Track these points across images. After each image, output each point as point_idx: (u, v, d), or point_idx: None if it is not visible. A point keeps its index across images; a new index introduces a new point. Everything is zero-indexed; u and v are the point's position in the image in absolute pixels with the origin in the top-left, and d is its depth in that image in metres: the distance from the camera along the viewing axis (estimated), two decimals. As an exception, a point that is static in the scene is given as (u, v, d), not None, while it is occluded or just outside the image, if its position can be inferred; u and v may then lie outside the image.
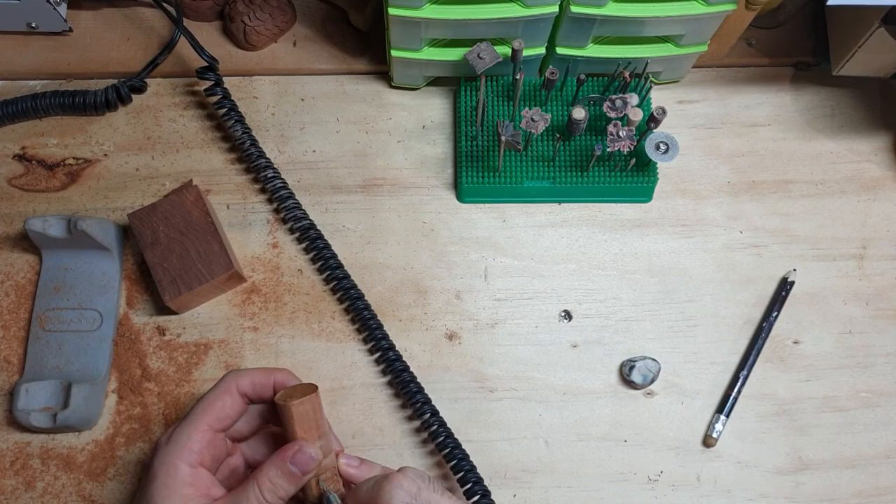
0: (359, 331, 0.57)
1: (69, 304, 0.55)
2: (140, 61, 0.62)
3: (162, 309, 0.57)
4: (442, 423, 0.53)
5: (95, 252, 0.56)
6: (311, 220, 0.58)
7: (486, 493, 0.51)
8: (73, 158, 0.61)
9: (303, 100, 0.63)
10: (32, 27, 0.61)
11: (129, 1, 0.64)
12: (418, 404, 0.54)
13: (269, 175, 0.59)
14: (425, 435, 0.55)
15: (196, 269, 0.54)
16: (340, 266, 0.57)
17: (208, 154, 0.61)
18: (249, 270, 0.58)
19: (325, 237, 0.58)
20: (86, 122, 0.62)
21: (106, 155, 0.61)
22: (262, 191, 0.60)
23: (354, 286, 0.57)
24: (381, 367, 0.56)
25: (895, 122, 0.64)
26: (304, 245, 0.59)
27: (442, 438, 0.53)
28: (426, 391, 0.55)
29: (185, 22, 0.61)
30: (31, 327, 0.55)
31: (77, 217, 0.54)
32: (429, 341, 0.57)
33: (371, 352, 0.56)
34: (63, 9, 0.61)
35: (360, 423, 0.55)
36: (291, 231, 0.59)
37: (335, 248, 0.58)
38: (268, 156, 0.60)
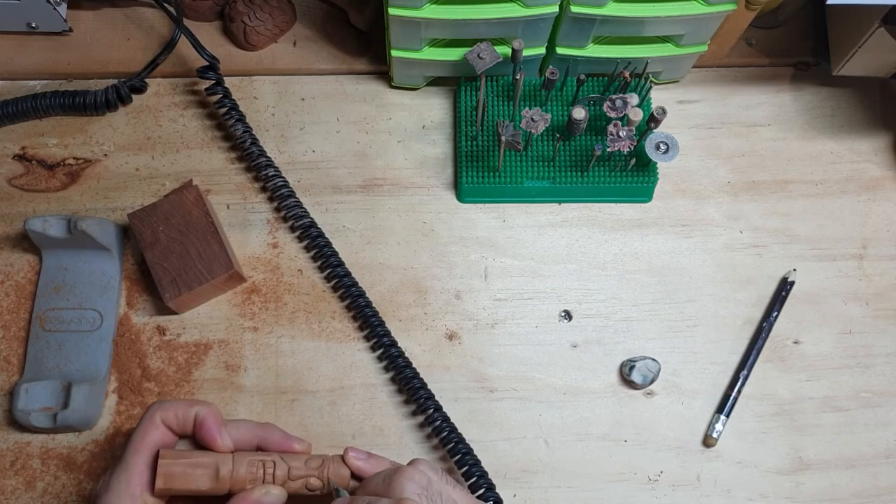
0: (360, 328, 0.57)
1: (69, 304, 0.55)
2: (140, 61, 0.62)
3: (162, 309, 0.57)
4: (445, 419, 0.54)
5: (95, 252, 0.56)
6: (311, 218, 0.58)
7: (491, 487, 0.52)
8: (73, 158, 0.61)
9: (303, 100, 0.63)
10: (32, 27, 0.61)
11: (130, 1, 0.64)
12: (421, 399, 0.54)
13: (270, 174, 0.59)
14: (427, 434, 0.55)
15: (196, 269, 0.54)
16: (342, 264, 0.57)
17: (208, 154, 0.61)
18: (249, 270, 0.58)
19: (327, 235, 0.58)
20: (86, 122, 0.62)
21: (106, 155, 0.61)
22: (263, 189, 0.60)
23: (356, 283, 0.57)
24: (384, 363, 0.56)
25: (895, 122, 0.64)
26: (304, 244, 0.59)
27: (446, 433, 0.53)
28: (428, 388, 0.55)
29: (186, 22, 0.61)
30: (31, 327, 0.55)
31: (77, 217, 0.54)
32: (429, 341, 0.57)
33: (373, 349, 0.56)
34: (63, 9, 0.61)
35: (360, 423, 0.55)
36: (292, 230, 0.59)
37: (335, 248, 0.58)
38: (268, 155, 0.60)
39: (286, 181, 0.59)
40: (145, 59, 0.62)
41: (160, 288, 0.54)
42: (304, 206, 0.59)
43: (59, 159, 0.61)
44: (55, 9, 0.60)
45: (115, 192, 0.60)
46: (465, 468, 0.52)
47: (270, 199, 0.60)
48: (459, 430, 0.54)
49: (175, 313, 0.57)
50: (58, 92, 0.60)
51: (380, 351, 0.56)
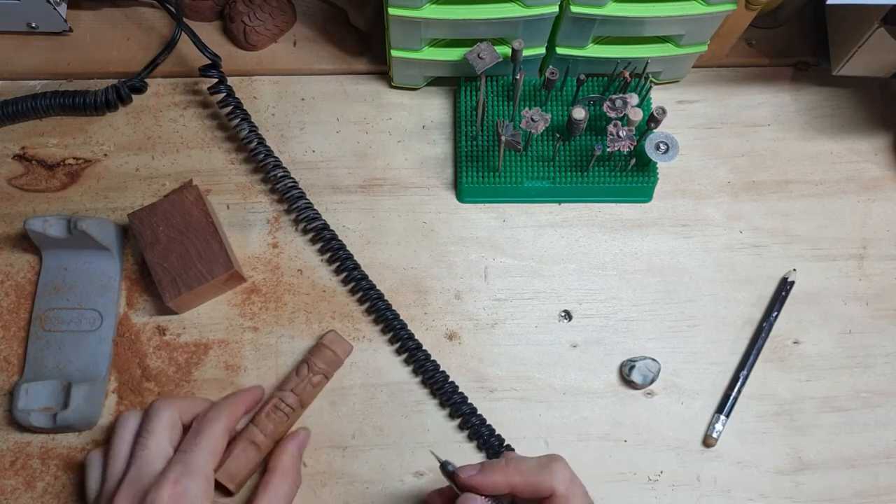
0: (383, 332, 0.57)
1: (69, 304, 0.55)
2: (140, 61, 0.62)
3: (162, 309, 0.57)
4: (473, 411, 0.54)
5: (95, 252, 0.56)
6: (324, 220, 0.58)
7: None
8: (73, 158, 0.61)
9: (303, 100, 0.63)
10: (32, 27, 0.61)
11: (130, 1, 0.64)
12: (455, 403, 0.54)
13: (280, 175, 0.58)
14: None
15: (196, 269, 0.54)
16: (357, 267, 0.57)
17: (208, 154, 0.61)
18: (249, 270, 0.58)
19: (339, 238, 0.58)
20: (86, 122, 0.62)
21: (106, 155, 0.61)
22: (273, 191, 0.60)
23: (373, 286, 0.57)
24: (411, 367, 0.56)
25: (895, 122, 0.64)
26: (318, 246, 0.59)
27: (477, 425, 0.54)
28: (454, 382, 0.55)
29: (185, 22, 0.61)
30: (31, 327, 0.55)
31: (77, 217, 0.54)
32: (429, 341, 0.57)
33: (399, 352, 0.56)
34: (63, 9, 0.61)
35: (360, 423, 0.55)
36: (305, 232, 0.59)
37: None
38: (275, 155, 0.60)
39: (296, 182, 0.59)
40: (145, 59, 0.62)
41: (160, 288, 0.54)
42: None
43: (59, 159, 0.61)
44: (55, 9, 0.60)
45: (115, 192, 0.60)
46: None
47: (280, 201, 0.60)
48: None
49: (175, 313, 0.57)
50: (58, 92, 0.60)
51: (405, 354, 0.56)
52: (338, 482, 0.54)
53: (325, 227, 0.58)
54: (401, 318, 0.56)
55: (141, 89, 0.62)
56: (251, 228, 0.59)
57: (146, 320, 0.57)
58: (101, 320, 0.55)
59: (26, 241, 0.57)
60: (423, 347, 0.56)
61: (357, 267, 0.57)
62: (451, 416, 0.55)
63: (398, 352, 0.56)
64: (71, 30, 0.62)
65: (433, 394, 0.55)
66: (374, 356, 0.56)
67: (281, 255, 0.59)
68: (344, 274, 0.57)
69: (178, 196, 0.56)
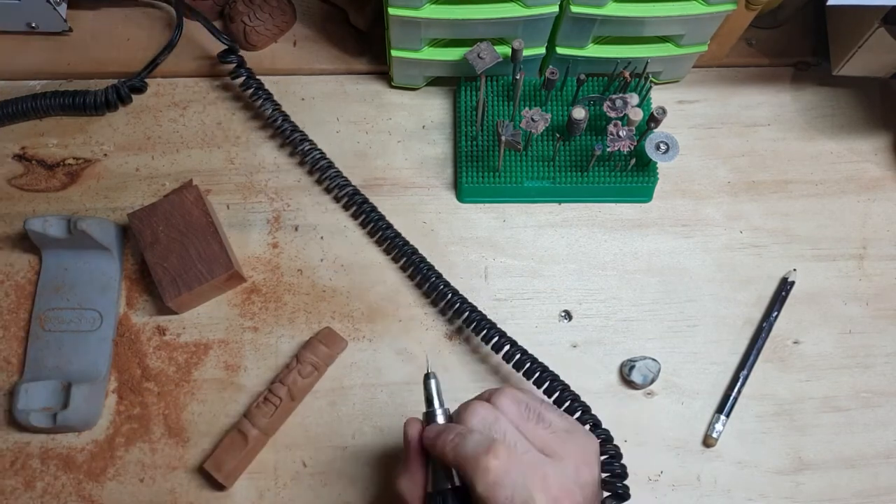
0: (418, 285, 0.57)
1: (69, 304, 0.55)
2: (140, 61, 0.62)
3: (162, 309, 0.57)
4: (524, 351, 0.53)
5: (95, 252, 0.56)
6: (354, 186, 0.59)
7: (586, 409, 0.49)
8: (73, 158, 0.61)
9: (303, 100, 0.63)
10: (32, 27, 0.61)
11: (130, 1, 0.64)
12: (498, 340, 0.54)
13: (307, 147, 0.59)
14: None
15: (196, 269, 0.54)
16: (391, 227, 0.58)
17: (208, 154, 0.61)
18: (249, 270, 0.58)
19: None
20: (86, 122, 0.62)
21: (106, 155, 0.61)
22: (302, 164, 0.61)
23: (407, 243, 0.58)
24: (462, 320, 0.56)
25: (895, 122, 0.64)
26: (351, 211, 0.59)
27: (529, 364, 0.52)
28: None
29: (185, 22, 0.61)
30: (31, 327, 0.55)
31: (77, 217, 0.54)
32: (429, 341, 0.57)
33: (443, 312, 0.57)
34: (63, 9, 0.61)
35: (360, 422, 0.55)
36: (337, 199, 0.60)
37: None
38: (301, 130, 0.60)
39: (323, 153, 0.60)
40: (145, 59, 0.62)
41: (160, 288, 0.54)
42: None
43: (59, 159, 0.61)
44: (55, 9, 0.60)
45: (115, 192, 0.60)
46: (556, 394, 0.50)
47: (310, 173, 0.60)
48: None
49: (175, 313, 0.57)
50: (58, 92, 0.60)
51: (452, 312, 0.56)
52: (338, 482, 0.54)
53: (356, 191, 0.59)
54: (436, 269, 0.57)
55: (141, 89, 0.62)
56: (251, 228, 0.59)
57: (146, 320, 0.57)
58: (101, 320, 0.55)
59: (26, 241, 0.57)
60: (477, 307, 0.55)
61: (390, 226, 0.58)
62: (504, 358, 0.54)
63: (443, 311, 0.57)
64: (71, 30, 0.62)
65: (477, 332, 0.55)
66: (373, 356, 0.56)
67: (281, 255, 0.59)
68: (378, 234, 0.58)
69: (178, 196, 0.56)
